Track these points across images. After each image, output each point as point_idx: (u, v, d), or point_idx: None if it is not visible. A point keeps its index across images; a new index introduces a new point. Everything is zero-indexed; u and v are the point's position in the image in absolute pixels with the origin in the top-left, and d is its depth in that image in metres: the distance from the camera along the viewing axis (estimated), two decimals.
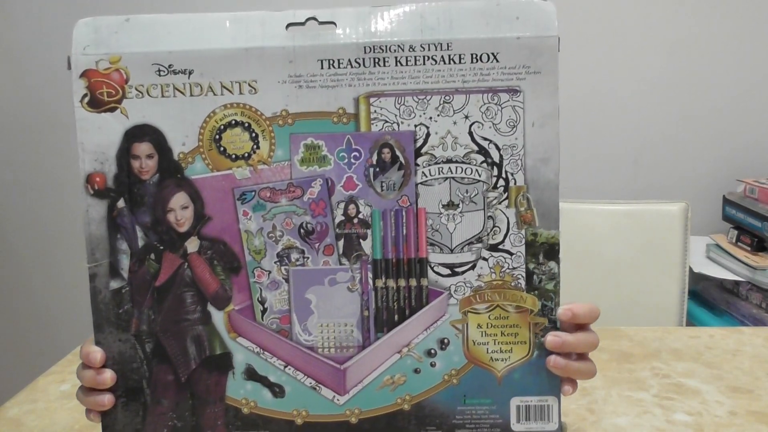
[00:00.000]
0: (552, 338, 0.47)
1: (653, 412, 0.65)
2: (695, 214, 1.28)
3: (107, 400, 0.48)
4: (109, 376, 0.47)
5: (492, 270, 0.47)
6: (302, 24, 0.46)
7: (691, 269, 1.30)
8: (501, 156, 0.46)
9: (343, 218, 0.47)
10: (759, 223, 1.45)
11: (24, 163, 1.82)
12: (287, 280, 0.48)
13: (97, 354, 0.48)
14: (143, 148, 0.46)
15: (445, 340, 0.48)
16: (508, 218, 0.47)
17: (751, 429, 0.63)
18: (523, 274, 0.47)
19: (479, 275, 0.47)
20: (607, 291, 1.27)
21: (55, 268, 1.86)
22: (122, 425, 0.49)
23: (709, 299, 1.59)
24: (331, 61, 0.46)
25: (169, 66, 0.46)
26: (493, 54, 0.45)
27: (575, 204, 1.31)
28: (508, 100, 0.46)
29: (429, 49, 0.45)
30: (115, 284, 0.48)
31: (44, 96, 1.77)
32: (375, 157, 0.46)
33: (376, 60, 0.46)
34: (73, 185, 1.83)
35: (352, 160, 0.46)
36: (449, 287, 0.47)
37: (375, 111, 0.46)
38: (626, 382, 0.72)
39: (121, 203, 0.47)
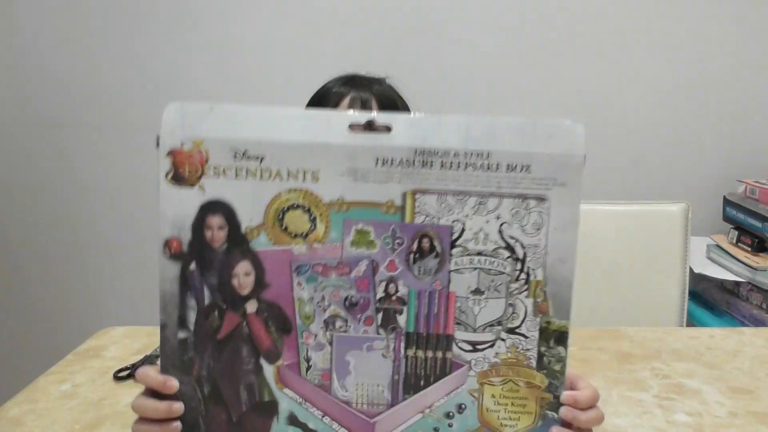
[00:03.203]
0: (566, 412, 0.54)
1: (653, 413, 0.66)
2: (696, 215, 1.28)
3: (178, 426, 0.55)
4: (181, 405, 0.55)
5: (508, 350, 0.54)
6: (362, 125, 0.53)
7: (691, 270, 1.31)
8: (525, 253, 0.53)
9: (383, 295, 0.54)
10: (759, 223, 1.44)
11: (24, 163, 1.82)
12: (331, 344, 0.55)
13: (175, 382, 0.55)
14: (216, 220, 0.54)
15: (463, 405, 0.55)
16: (526, 307, 0.54)
17: (751, 429, 0.64)
18: (535, 355, 0.54)
19: (497, 353, 0.54)
20: (608, 291, 1.27)
21: (55, 268, 1.86)
22: None
23: (709, 300, 1.58)
24: (385, 160, 0.52)
25: (245, 152, 0.53)
26: (526, 166, 0.52)
27: None
28: (536, 206, 0.53)
29: (471, 157, 0.52)
30: (182, 334, 0.55)
31: (44, 96, 1.76)
32: (415, 245, 0.53)
33: (424, 162, 0.52)
34: (73, 186, 1.80)
35: (396, 246, 0.53)
36: (470, 361, 0.54)
37: (419, 206, 0.53)
38: (626, 382, 0.73)
39: (192, 266, 0.54)
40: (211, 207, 0.53)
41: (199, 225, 0.54)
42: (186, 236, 0.54)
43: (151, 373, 0.55)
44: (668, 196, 1.54)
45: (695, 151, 1.70)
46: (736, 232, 1.53)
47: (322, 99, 0.87)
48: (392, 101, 0.89)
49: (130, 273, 1.87)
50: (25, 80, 1.76)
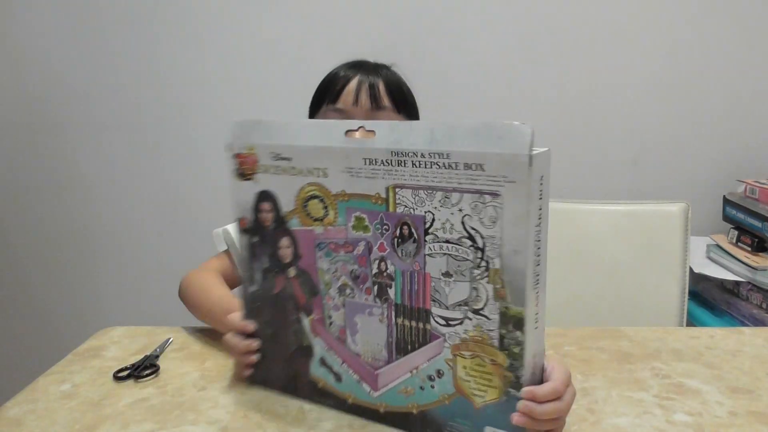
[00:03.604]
0: (523, 406, 0.58)
1: (653, 413, 0.66)
2: (695, 215, 1.29)
3: (255, 357, 0.76)
4: (258, 342, 0.75)
5: (474, 328, 0.60)
6: (356, 131, 0.64)
7: (691, 269, 1.32)
8: (484, 243, 0.58)
9: (377, 271, 0.65)
10: (759, 223, 1.45)
11: (24, 163, 1.80)
12: (344, 306, 0.68)
13: (251, 325, 0.75)
14: (265, 206, 0.71)
15: (441, 371, 0.63)
16: (487, 291, 0.59)
17: (752, 429, 0.63)
18: (497, 336, 0.59)
19: (465, 330, 0.61)
20: (607, 291, 1.27)
21: (55, 268, 1.87)
22: (258, 375, 0.76)
23: (709, 299, 1.58)
24: (371, 160, 0.63)
25: (279, 154, 0.69)
26: (480, 164, 0.57)
27: (575, 204, 1.31)
28: (491, 201, 0.57)
29: (434, 157, 0.59)
30: (252, 288, 0.74)
31: (45, 96, 1.75)
32: (398, 231, 0.63)
33: (399, 161, 0.61)
34: (73, 186, 1.88)
35: (383, 231, 0.64)
36: (444, 334, 0.62)
37: (399, 198, 0.62)
38: (626, 382, 0.73)
39: (255, 239, 0.73)
40: (262, 195, 0.71)
41: (256, 208, 0.72)
42: (249, 217, 0.72)
43: (236, 319, 0.76)
44: (668, 195, 1.55)
45: (695, 151, 1.70)
46: (736, 232, 1.53)
47: (330, 83, 0.91)
48: (398, 86, 0.91)
49: (130, 273, 1.88)
50: (27, 80, 1.76)
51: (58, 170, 1.81)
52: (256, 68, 1.74)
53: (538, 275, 0.58)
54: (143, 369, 0.80)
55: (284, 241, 0.71)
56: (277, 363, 0.75)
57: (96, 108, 1.77)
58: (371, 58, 0.99)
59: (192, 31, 1.72)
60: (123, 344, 0.89)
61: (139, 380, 0.79)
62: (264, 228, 0.72)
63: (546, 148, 0.57)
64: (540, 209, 0.57)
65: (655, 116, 1.68)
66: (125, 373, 0.79)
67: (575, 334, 0.89)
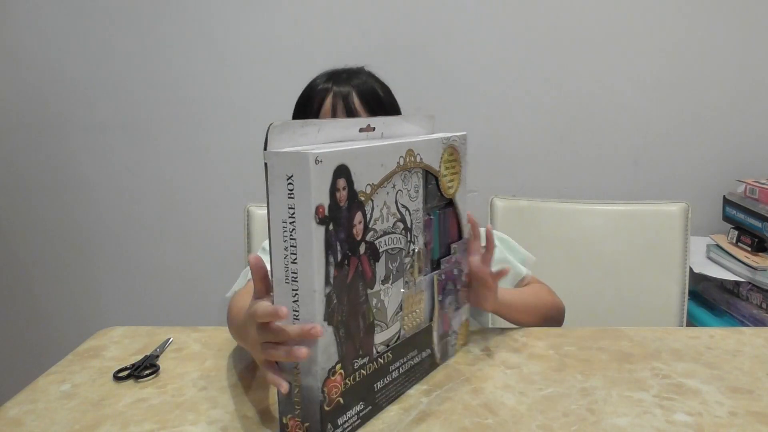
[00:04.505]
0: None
1: (653, 413, 0.65)
2: (695, 215, 1.29)
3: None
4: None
5: None
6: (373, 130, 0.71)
7: (691, 269, 1.32)
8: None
9: None
10: (759, 223, 1.45)
11: (24, 163, 1.79)
12: None
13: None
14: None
15: None
16: None
17: (752, 429, 0.62)
18: None
19: None
20: (607, 291, 1.27)
21: (55, 268, 1.85)
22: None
23: (709, 299, 1.59)
24: None
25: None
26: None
27: (575, 204, 1.31)
28: None
29: None
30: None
31: (44, 96, 1.75)
32: None
33: None
34: (73, 186, 1.84)
35: None
36: None
37: None
38: (626, 382, 0.73)
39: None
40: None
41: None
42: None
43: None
44: (668, 195, 1.56)
45: (694, 150, 1.69)
46: (736, 232, 1.53)
47: (308, 100, 0.98)
48: (372, 90, 0.97)
49: (130, 273, 1.86)
50: (28, 80, 1.76)
51: (59, 170, 1.80)
52: (257, 68, 1.73)
53: (293, 273, 0.58)
54: (143, 369, 0.79)
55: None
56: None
57: (97, 108, 1.76)
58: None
59: (194, 31, 1.73)
60: (123, 344, 0.89)
61: (139, 380, 0.78)
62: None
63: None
64: (292, 209, 0.57)
65: (655, 116, 1.68)
66: (125, 373, 0.79)
67: (575, 334, 0.88)
